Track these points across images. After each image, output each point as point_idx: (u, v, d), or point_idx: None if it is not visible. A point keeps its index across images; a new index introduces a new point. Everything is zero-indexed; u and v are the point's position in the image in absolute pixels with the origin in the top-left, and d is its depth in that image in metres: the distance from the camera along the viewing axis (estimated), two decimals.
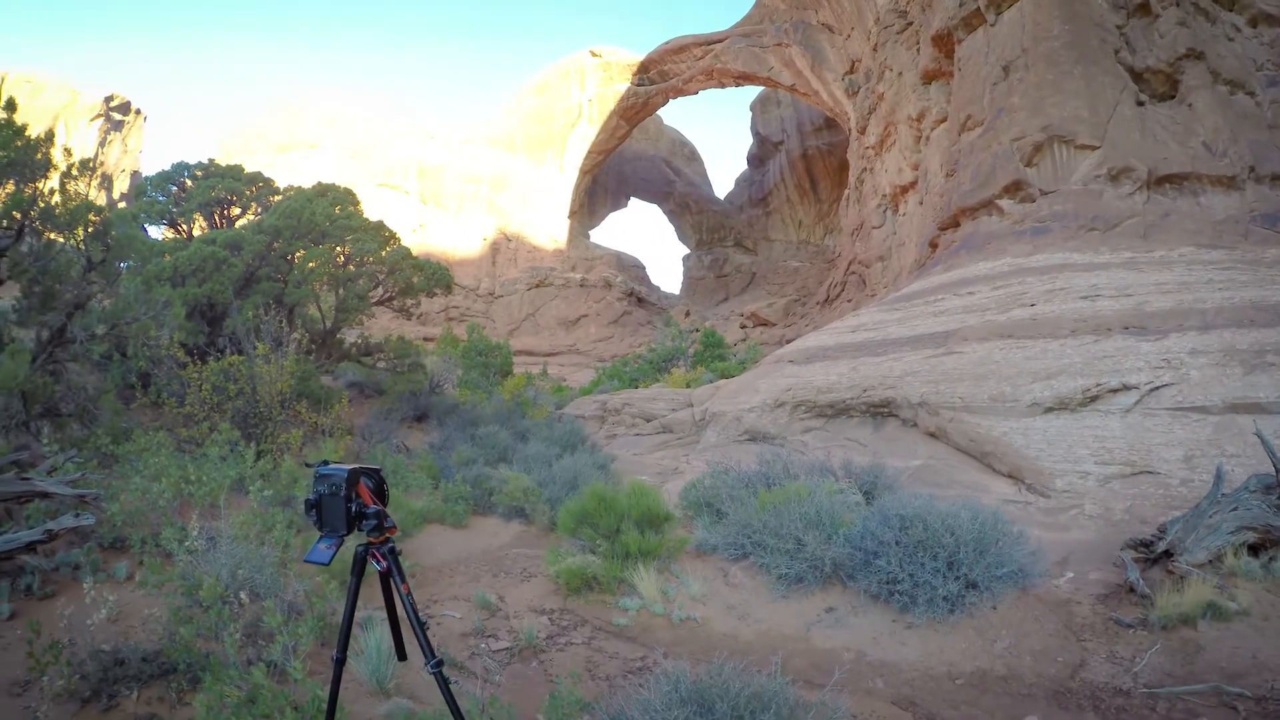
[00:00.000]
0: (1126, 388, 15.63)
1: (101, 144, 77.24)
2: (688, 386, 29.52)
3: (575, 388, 43.26)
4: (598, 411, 27.99)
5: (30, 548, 7.85)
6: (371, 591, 9.91)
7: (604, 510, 11.18)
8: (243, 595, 6.22)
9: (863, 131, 47.12)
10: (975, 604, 8.80)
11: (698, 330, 50.04)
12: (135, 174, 79.19)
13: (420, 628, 4.18)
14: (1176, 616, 8.16)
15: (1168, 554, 9.36)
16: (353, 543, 4.23)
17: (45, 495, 8.66)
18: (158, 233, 22.35)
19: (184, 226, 22.15)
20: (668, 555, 10.96)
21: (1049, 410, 15.95)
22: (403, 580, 4.22)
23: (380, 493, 4.14)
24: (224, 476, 10.47)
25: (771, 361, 26.19)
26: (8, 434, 10.76)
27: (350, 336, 22.99)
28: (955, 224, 28.38)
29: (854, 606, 9.36)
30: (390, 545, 4.17)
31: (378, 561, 4.16)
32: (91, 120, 76.54)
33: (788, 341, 47.29)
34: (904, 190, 40.47)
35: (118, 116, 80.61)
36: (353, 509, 3.92)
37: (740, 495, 12.51)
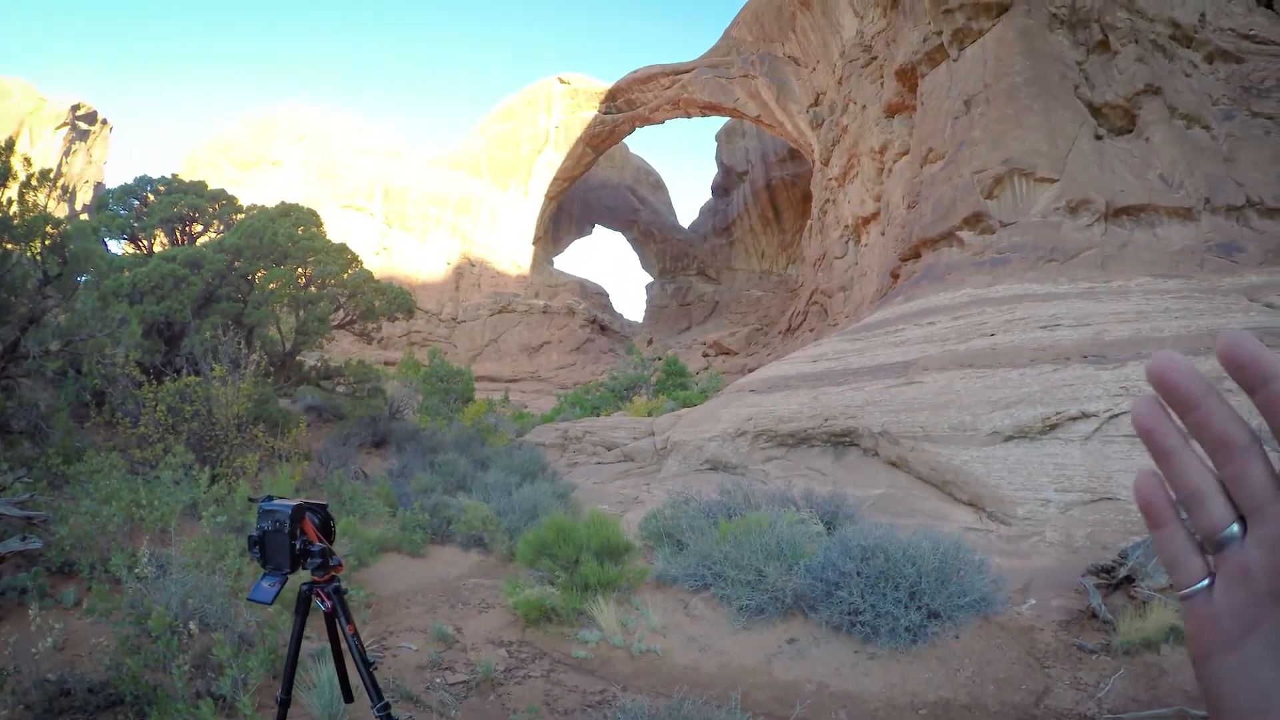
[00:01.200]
0: (1086, 415, 15.73)
1: (66, 153, 76.41)
2: (649, 415, 29.52)
3: (537, 415, 43.18)
4: (559, 439, 27.83)
5: None
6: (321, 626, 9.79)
7: (563, 541, 11.12)
8: (192, 625, 6.05)
9: (826, 163, 47.58)
10: (938, 633, 8.78)
11: (660, 359, 50.00)
12: (99, 185, 78.34)
13: (366, 669, 4.11)
14: (1139, 641, 8.21)
15: (1129, 579, 9.43)
16: (297, 581, 4.14)
17: None
18: (118, 247, 22.00)
19: (145, 242, 21.78)
20: (628, 586, 10.87)
21: (1009, 439, 16.03)
22: (348, 621, 4.12)
23: (326, 529, 4.05)
24: (176, 501, 10.22)
25: (733, 391, 26.21)
26: None
27: (310, 359, 22.68)
28: (916, 255, 28.75)
29: (815, 638, 9.29)
30: (335, 584, 4.08)
31: (322, 601, 4.05)
32: (57, 129, 75.73)
33: (750, 370, 47.34)
34: (866, 221, 40.94)
35: (84, 126, 79.81)
36: (297, 546, 3.82)
37: (701, 525, 12.47)
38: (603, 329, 75.08)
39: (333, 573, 4.03)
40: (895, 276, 30.85)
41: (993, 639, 8.87)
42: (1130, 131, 25.47)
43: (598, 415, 33.33)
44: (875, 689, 8.28)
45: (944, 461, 16.38)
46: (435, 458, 19.86)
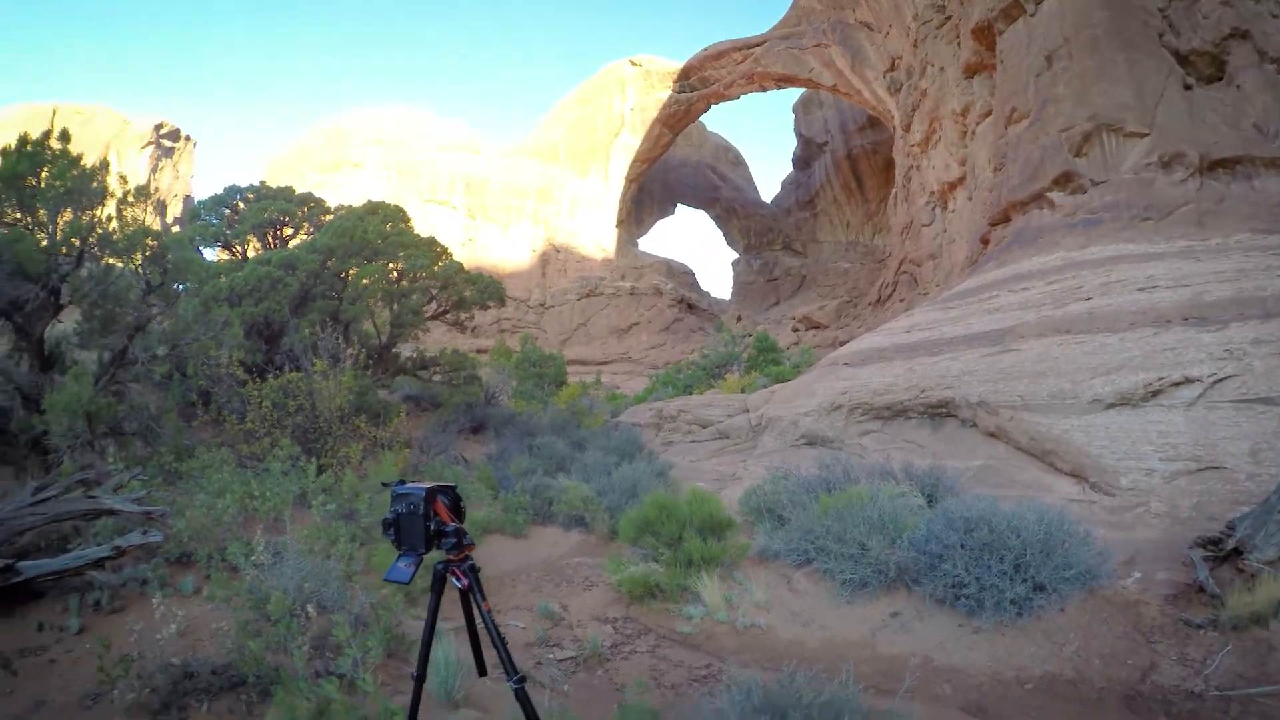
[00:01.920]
0: (1189, 380, 14.97)
1: (153, 170, 78.70)
2: (743, 392, 29.20)
3: (629, 395, 43.12)
4: (653, 419, 27.72)
5: (99, 564, 7.97)
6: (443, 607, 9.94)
7: (666, 518, 11.11)
8: (310, 608, 6.20)
9: (907, 129, 46.36)
10: (1043, 607, 8.59)
11: (749, 335, 49.59)
12: (187, 198, 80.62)
13: (502, 644, 4.13)
14: (1248, 616, 7.89)
15: (1237, 551, 9.03)
16: (431, 561, 4.21)
17: (112, 512, 8.79)
18: (212, 255, 22.65)
19: (238, 248, 22.38)
20: (730, 562, 10.85)
21: (1110, 406, 15.39)
22: (483, 597, 4.15)
23: (457, 510, 4.12)
24: (287, 491, 10.52)
25: (826, 364, 25.70)
26: (73, 454, 10.93)
27: (405, 351, 23.09)
28: (1006, 219, 27.72)
29: (919, 611, 9.18)
30: (470, 562, 4.12)
31: (458, 579, 4.10)
32: (142, 148, 78.03)
33: (841, 344, 46.61)
34: (952, 186, 39.74)
35: (168, 144, 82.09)
36: (431, 527, 3.89)
37: (801, 500, 12.35)
38: (690, 308, 74.63)
39: (466, 551, 4.08)
40: (985, 242, 29.88)
41: (1098, 613, 8.65)
42: (1220, 79, 23.97)
43: (690, 394, 33.05)
44: (981, 663, 8.17)
45: (1044, 431, 15.80)
46: (533, 441, 19.97)
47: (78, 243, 12.39)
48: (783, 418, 22.58)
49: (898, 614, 9.27)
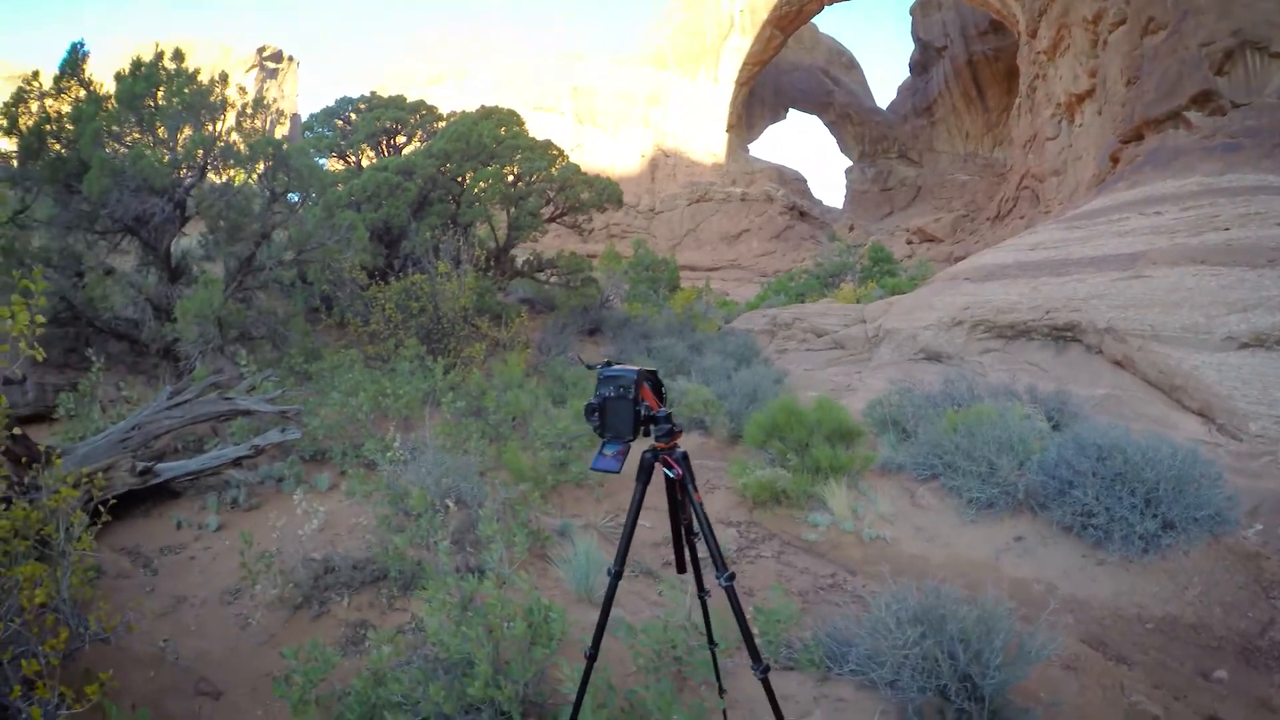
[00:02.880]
0: None
1: (258, 93, 79.83)
2: (858, 302, 28.74)
3: (740, 302, 42.85)
4: (767, 326, 27.42)
5: (236, 463, 8.09)
6: (568, 500, 9.93)
7: (794, 423, 10.92)
8: (450, 503, 6.12)
9: (1033, 35, 43.87)
10: (1169, 546, 8.30)
11: (863, 246, 48.56)
12: (294, 117, 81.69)
13: (713, 538, 3.82)
14: None
15: None
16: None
17: (247, 413, 8.90)
18: (327, 166, 22.81)
19: (352, 158, 22.53)
20: (855, 472, 10.66)
21: (1244, 346, 14.78)
22: (695, 488, 3.83)
23: (659, 394, 3.76)
24: (416, 389, 10.60)
25: (946, 279, 25.06)
26: (205, 359, 11.14)
27: (521, 254, 23.18)
28: (1139, 136, 26.33)
29: (1043, 537, 8.98)
30: (682, 451, 3.75)
31: (670, 468, 3.73)
32: (247, 71, 79.03)
33: (956, 259, 45.89)
34: (1080, 99, 37.46)
35: (271, 65, 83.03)
36: (641, 412, 3.56)
37: (927, 414, 12.20)
38: (802, 215, 73.36)
39: (675, 439, 3.72)
40: (1115, 160, 28.43)
41: (1221, 560, 8.32)
42: None
43: (803, 302, 32.65)
44: (1103, 596, 8.00)
45: (1173, 365, 15.23)
46: (650, 344, 19.94)
47: (200, 155, 12.53)
48: (901, 330, 22.19)
49: (1021, 538, 9.10)
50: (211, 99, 12.80)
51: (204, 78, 13.09)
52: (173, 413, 8.37)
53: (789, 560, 9.10)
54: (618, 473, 3.51)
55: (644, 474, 3.71)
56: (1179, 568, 8.16)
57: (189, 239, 14.36)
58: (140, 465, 7.33)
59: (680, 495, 3.85)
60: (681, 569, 4.21)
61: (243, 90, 13.63)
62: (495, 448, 9.85)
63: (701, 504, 3.79)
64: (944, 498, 10.10)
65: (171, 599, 6.16)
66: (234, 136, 13.03)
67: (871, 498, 10.22)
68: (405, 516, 6.56)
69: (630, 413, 3.52)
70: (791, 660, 5.82)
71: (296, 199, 14.46)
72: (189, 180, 12.66)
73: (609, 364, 3.66)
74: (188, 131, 12.68)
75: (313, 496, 7.80)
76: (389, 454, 7.29)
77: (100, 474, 6.76)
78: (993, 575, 8.43)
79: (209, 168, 12.82)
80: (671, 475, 3.73)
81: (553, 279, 23.05)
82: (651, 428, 3.63)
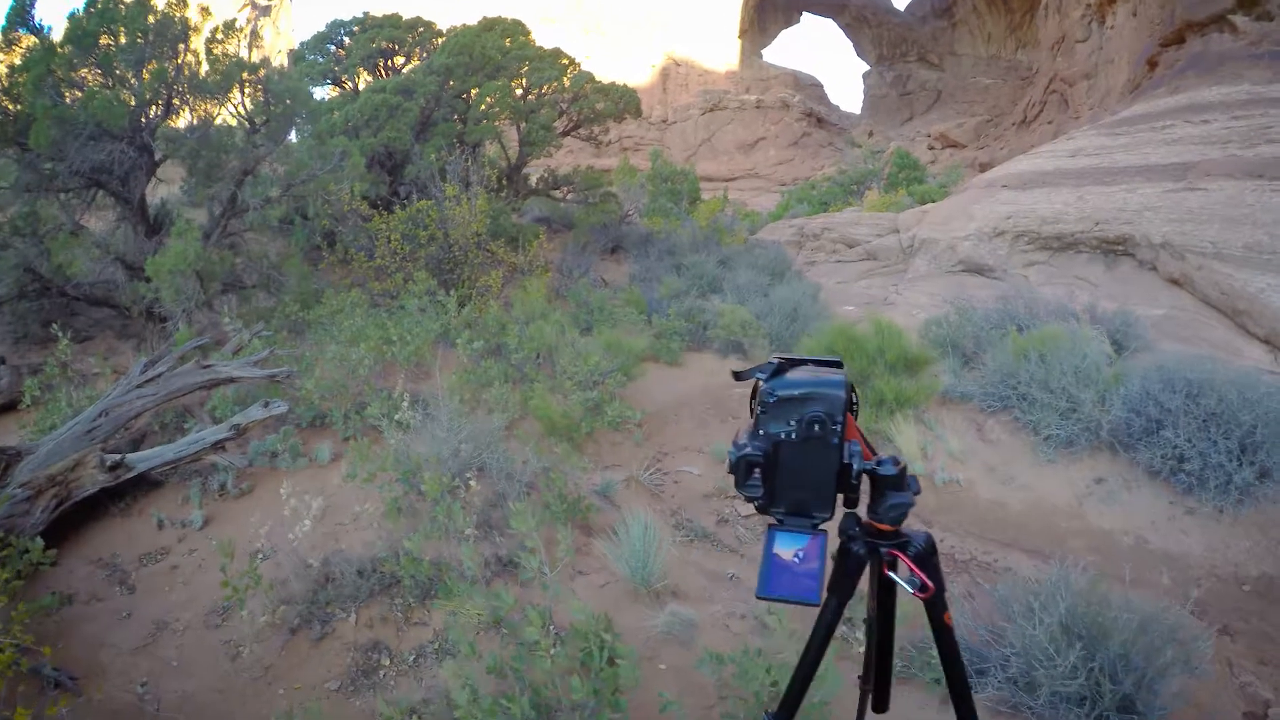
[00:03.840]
0: None
1: (253, 32, 77.61)
2: (888, 211, 27.61)
3: (761, 212, 41.64)
4: (794, 237, 26.51)
5: (218, 446, 6.85)
6: (604, 447, 8.87)
7: (853, 351, 9.90)
8: (471, 480, 5.01)
9: None
10: (1262, 497, 7.56)
11: (883, 151, 47.10)
12: (292, 53, 79.70)
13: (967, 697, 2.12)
14: None
15: None
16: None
17: (232, 380, 7.71)
18: (324, 94, 21.61)
19: (348, 84, 21.33)
20: (919, 405, 9.71)
21: None
22: (945, 606, 2.04)
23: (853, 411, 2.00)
24: (427, 331, 9.43)
25: (981, 186, 24.02)
26: (189, 318, 9.99)
27: (534, 172, 22.18)
28: (1180, 40, 25.13)
29: (1126, 480, 8.17)
30: (924, 535, 1.97)
31: (912, 575, 1.94)
32: (239, 10, 77.01)
33: (981, 165, 44.90)
34: (1112, 0, 36.07)
35: (264, 2, 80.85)
36: (853, 465, 1.80)
37: (989, 337, 11.32)
38: (819, 122, 71.22)
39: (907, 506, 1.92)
40: (1153, 65, 27.18)
41: None
42: None
43: (826, 211, 31.57)
44: (1197, 552, 7.33)
45: (1237, 287, 14.45)
46: (676, 260, 18.99)
47: (163, 89, 11.28)
48: (938, 240, 21.39)
49: (1102, 480, 8.32)
50: (174, 29, 11.49)
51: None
52: (145, 390, 7.17)
53: None
54: (818, 604, 1.86)
55: (847, 579, 1.99)
56: (1271, 521, 7.52)
57: (171, 187, 13.14)
58: (110, 459, 6.14)
59: (889, 598, 2.16)
60: (882, 707, 2.37)
61: (206, 11, 12.30)
62: (519, 392, 8.72)
63: (952, 628, 2.06)
64: (1016, 433, 9.28)
65: (151, 625, 5.13)
66: (202, 65, 11.76)
67: (939, 433, 9.33)
68: (419, 496, 5.41)
69: (832, 468, 1.78)
70: (904, 670, 4.74)
71: (284, 129, 13.25)
72: (155, 119, 11.41)
73: (781, 367, 1.83)
74: (153, 68, 11.38)
75: (310, 473, 6.71)
76: (396, 416, 6.10)
77: (67, 473, 5.74)
78: (1079, 525, 7.85)
79: (177, 102, 11.55)
80: (912, 590, 1.93)
81: (569, 196, 21.95)
82: (862, 492, 1.90)
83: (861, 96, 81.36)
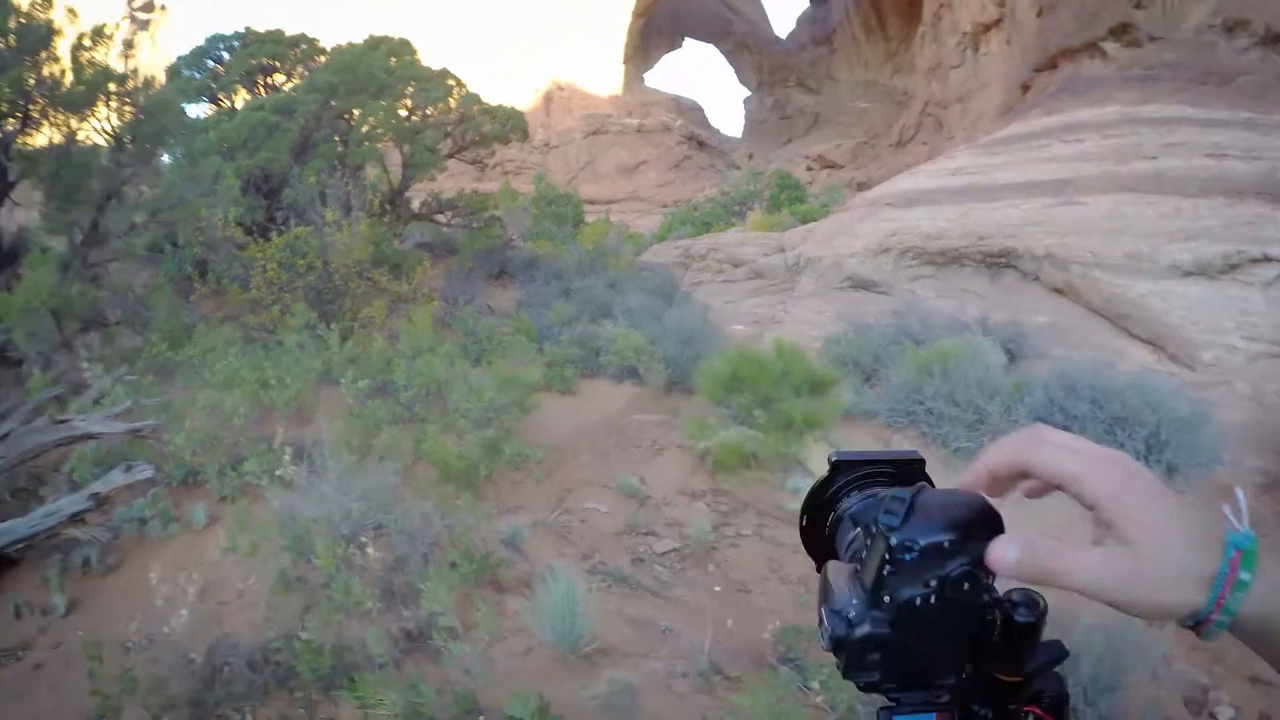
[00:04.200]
0: (1268, 259, 14.67)
1: (125, 41, 74.92)
2: (771, 230, 27.82)
3: (645, 234, 41.67)
4: (680, 258, 26.33)
5: (77, 518, 5.99)
6: (504, 488, 8.38)
7: (758, 374, 9.66)
8: (367, 546, 4.46)
9: None
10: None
11: (763, 173, 47.66)
12: (170, 69, 77.19)
13: None
14: None
15: None
16: None
17: (91, 437, 6.82)
18: (201, 111, 20.61)
19: (226, 101, 20.37)
20: (825, 424, 9.51)
21: (1188, 274, 14.96)
22: None
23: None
24: (308, 370, 8.75)
25: (865, 204, 24.47)
26: (46, 363, 8.98)
27: (417, 196, 21.54)
28: (1053, 66, 26.61)
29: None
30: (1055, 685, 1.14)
31: None
32: (118, 24, 74.21)
33: (859, 185, 46.05)
34: (987, 28, 37.31)
35: (142, 16, 78.02)
36: (995, 621, 1.05)
37: (889, 353, 11.62)
38: (700, 145, 71.96)
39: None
40: (1026, 88, 28.81)
41: (1209, 500, 7.83)
42: None
43: (709, 231, 31.76)
44: None
45: (1119, 293, 15.25)
46: (565, 285, 18.73)
47: (21, 101, 10.35)
48: (823, 258, 21.61)
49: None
50: (38, 33, 10.52)
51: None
52: None
53: (773, 537, 8.11)
54: None
55: None
56: None
57: (30, 211, 12.12)
58: None
59: None
60: None
61: (73, 13, 11.38)
62: (411, 434, 8.15)
63: None
64: (924, 447, 9.17)
65: None
66: (66, 75, 10.83)
67: None
68: (310, 564, 4.80)
69: (971, 628, 1.06)
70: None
71: (154, 148, 12.34)
72: (11, 134, 10.43)
73: (907, 485, 1.08)
74: (11, 75, 10.40)
75: (184, 542, 5.93)
76: (278, 472, 5.46)
77: None
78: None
79: (36, 115, 10.59)
80: None
81: (453, 221, 21.32)
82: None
83: (742, 120, 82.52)
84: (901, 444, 9.49)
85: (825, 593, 1.08)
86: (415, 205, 21.11)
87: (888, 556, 0.95)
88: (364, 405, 8.35)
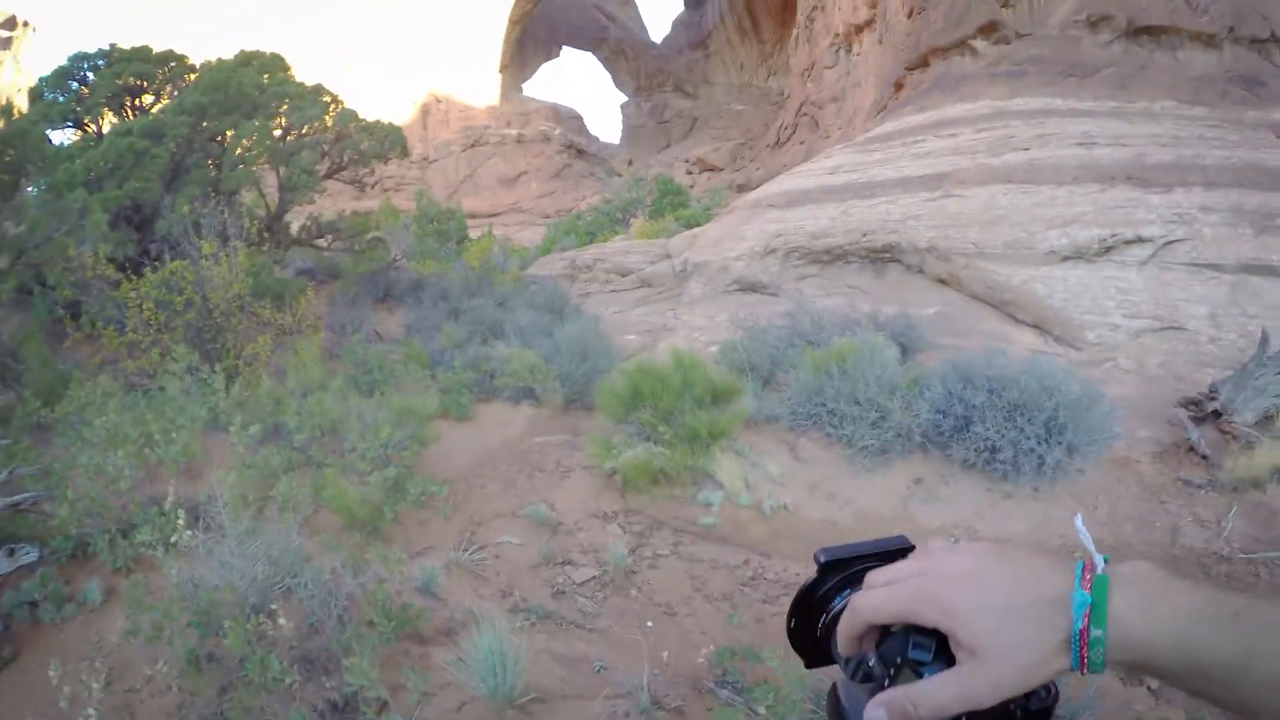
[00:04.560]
0: (1141, 240, 15.27)
1: None
2: (656, 237, 27.92)
3: (529, 247, 41.41)
4: (566, 269, 26.25)
5: None
6: (411, 528, 8.08)
7: (660, 389, 9.48)
8: (279, 616, 4.17)
9: None
10: (1072, 470, 8.51)
11: (643, 180, 47.77)
12: (32, 90, 73.58)
13: None
14: (1248, 480, 8.27)
15: (1216, 414, 9.51)
16: None
17: None
18: (65, 139, 19.55)
19: (91, 126, 19.34)
20: (729, 433, 9.52)
21: (1066, 259, 15.53)
22: None
23: None
24: (194, 419, 8.26)
25: (748, 207, 24.73)
26: None
27: (296, 219, 20.77)
28: (924, 64, 27.23)
29: (942, 476, 8.87)
30: None
31: None
32: None
33: (739, 186, 47.12)
34: (859, 29, 38.04)
35: (4, 33, 74.36)
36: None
37: (786, 356, 11.64)
38: (580, 153, 71.92)
39: None
40: (899, 86, 29.30)
41: (1112, 474, 8.70)
42: None
43: (593, 241, 31.74)
44: (1022, 531, 8.08)
45: (1002, 281, 15.76)
46: (452, 305, 18.33)
47: None
48: (710, 263, 21.77)
49: (920, 480, 8.92)
50: None
51: None
52: None
53: (691, 553, 8.12)
54: None
55: None
56: (1082, 490, 8.41)
57: None
58: None
59: None
60: None
61: None
62: (309, 478, 7.79)
63: None
64: (829, 448, 9.57)
65: None
66: None
67: (755, 459, 9.29)
68: (219, 640, 4.43)
69: None
70: None
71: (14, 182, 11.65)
72: None
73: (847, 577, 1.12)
74: None
75: (82, 629, 5.43)
76: (173, 539, 5.08)
77: None
78: (910, 527, 7.80)
79: None
80: None
81: (334, 244, 20.64)
82: None
83: (620, 126, 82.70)
84: (806, 447, 9.59)
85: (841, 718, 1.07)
86: (294, 230, 20.32)
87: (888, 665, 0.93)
88: (256, 453, 7.93)
